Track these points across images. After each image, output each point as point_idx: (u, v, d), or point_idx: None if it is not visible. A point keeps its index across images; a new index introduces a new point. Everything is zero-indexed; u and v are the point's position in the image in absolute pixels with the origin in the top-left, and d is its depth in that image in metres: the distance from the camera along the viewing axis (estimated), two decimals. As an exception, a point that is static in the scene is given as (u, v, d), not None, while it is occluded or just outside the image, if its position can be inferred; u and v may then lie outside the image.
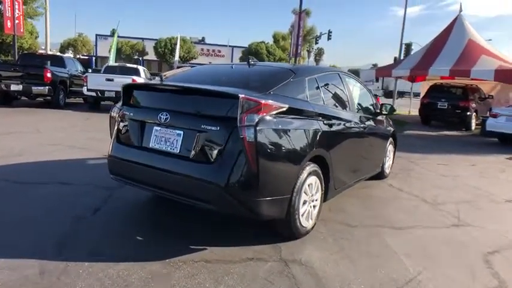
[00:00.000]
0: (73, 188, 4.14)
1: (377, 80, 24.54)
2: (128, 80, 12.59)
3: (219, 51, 53.69)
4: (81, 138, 7.35)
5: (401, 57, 22.75)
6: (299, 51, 27.66)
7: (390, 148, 5.61)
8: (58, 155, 5.63)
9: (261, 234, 3.23)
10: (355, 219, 3.80)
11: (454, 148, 9.78)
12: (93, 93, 12.43)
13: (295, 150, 2.94)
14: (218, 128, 2.66)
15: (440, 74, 15.26)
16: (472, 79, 15.18)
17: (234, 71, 3.67)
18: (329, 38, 35.87)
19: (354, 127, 4.01)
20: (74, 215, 3.38)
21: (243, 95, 2.63)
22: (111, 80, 12.46)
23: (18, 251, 2.69)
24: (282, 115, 2.86)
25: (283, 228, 3.07)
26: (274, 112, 2.78)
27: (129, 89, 3.31)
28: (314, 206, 3.30)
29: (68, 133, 7.85)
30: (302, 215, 3.11)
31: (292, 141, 2.92)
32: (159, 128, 2.98)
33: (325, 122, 3.37)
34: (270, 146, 2.69)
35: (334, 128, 3.50)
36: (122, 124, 3.26)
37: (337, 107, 3.82)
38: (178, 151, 2.85)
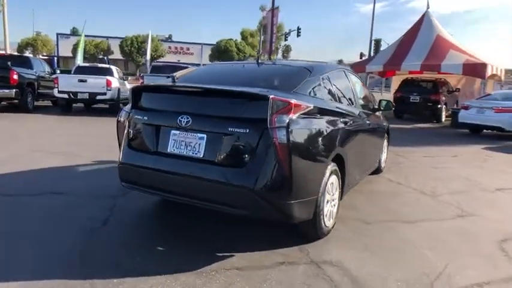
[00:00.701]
0: (70, 199, 3.88)
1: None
2: (101, 80, 12.12)
3: (188, 49, 52.95)
4: (62, 143, 6.97)
5: (372, 53, 23.39)
6: (273, 49, 27.71)
7: (385, 143, 5.71)
8: (44, 163, 5.29)
9: (282, 236, 3.18)
10: (368, 216, 3.83)
11: (432, 140, 10.15)
12: (65, 95, 11.84)
13: (322, 150, 2.91)
14: (247, 131, 2.56)
15: (412, 68, 15.78)
16: (439, 73, 15.83)
17: (249, 70, 3.57)
18: (298, 35, 36.18)
19: (361, 124, 4.03)
20: (82, 228, 3.17)
21: (272, 96, 2.55)
22: (85, 80, 11.92)
23: (35, 272, 2.47)
24: (308, 115, 2.81)
25: (309, 229, 3.03)
26: (302, 112, 2.73)
27: (139, 91, 3.14)
28: (334, 205, 3.29)
29: (48, 138, 7.42)
30: (326, 215, 3.09)
31: (320, 141, 2.88)
32: (178, 132, 2.84)
33: (341, 120, 3.35)
34: (300, 147, 2.63)
35: (348, 126, 3.50)
36: (133, 129, 3.09)
37: (348, 104, 3.82)
38: (201, 155, 2.73)
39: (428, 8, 17.14)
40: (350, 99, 3.99)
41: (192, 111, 2.77)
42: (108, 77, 12.34)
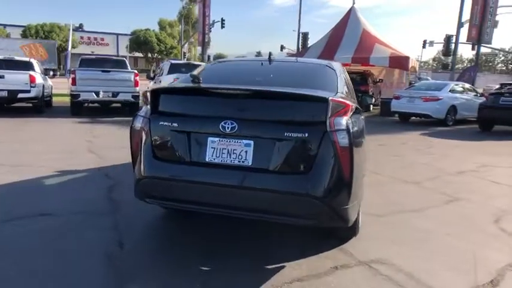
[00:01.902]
0: (61, 220, 3.31)
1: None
2: (23, 76, 10.61)
3: (102, 39, 49.13)
4: (5, 152, 5.95)
5: (299, 46, 24.29)
6: (206, 40, 27.04)
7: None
8: (-6, 178, 4.45)
9: (312, 239, 3.11)
10: (376, 209, 3.93)
11: (374, 129, 10.84)
12: (-24, 95, 10.13)
13: (365, 150, 2.89)
14: (306, 135, 2.41)
15: (344, 61, 16.61)
16: (363, 64, 17.01)
17: (274, 69, 3.36)
18: (222, 26, 35.83)
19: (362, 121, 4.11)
20: (100, 256, 2.71)
21: (331, 97, 2.44)
22: (1, 76, 10.32)
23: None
24: (354, 115, 2.75)
25: (348, 230, 3.00)
26: (352, 113, 2.66)
27: (160, 93, 2.77)
28: (359, 202, 3.31)
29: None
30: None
31: (364, 141, 2.85)
32: (218, 139, 2.57)
33: (362, 118, 3.37)
34: (356, 149, 2.56)
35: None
36: (157, 137, 2.71)
37: (356, 101, 3.86)
38: (250, 163, 2.50)
39: (354, 3, 18.24)
40: (354, 97, 4.04)
41: (238, 116, 2.52)
42: (31, 72, 10.87)
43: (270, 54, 3.48)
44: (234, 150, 2.54)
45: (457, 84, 13.23)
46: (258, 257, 2.80)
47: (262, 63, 3.41)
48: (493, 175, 5.67)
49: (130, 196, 3.05)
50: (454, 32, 20.33)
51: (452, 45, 20.93)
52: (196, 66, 14.34)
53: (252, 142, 2.51)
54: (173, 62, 14.14)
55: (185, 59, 39.87)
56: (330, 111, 2.42)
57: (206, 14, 24.92)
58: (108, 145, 6.84)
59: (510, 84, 12.17)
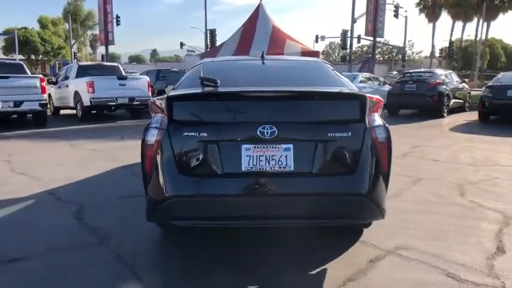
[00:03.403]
0: (47, 263, 2.71)
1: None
2: None
3: (-33, 41, 41.72)
4: None
5: (208, 43, 24.11)
6: (110, 38, 24.83)
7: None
8: None
9: (331, 236, 3.12)
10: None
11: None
12: None
13: None
14: (349, 134, 2.38)
15: (259, 57, 17.04)
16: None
17: (284, 68, 3.21)
18: (118, 24, 33.53)
19: None
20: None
21: (368, 94, 2.45)
22: None
23: None
24: None
25: (366, 223, 3.05)
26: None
27: (178, 101, 2.45)
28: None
29: None
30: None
31: None
32: (253, 145, 2.38)
33: None
34: (391, 144, 2.61)
35: None
36: (179, 150, 2.39)
37: None
38: (291, 168, 2.38)
39: (261, 0, 18.68)
40: None
41: (276, 120, 2.37)
42: None
43: (262, 53, 3.35)
44: (273, 156, 2.39)
45: (364, 76, 14.61)
46: (293, 265, 2.69)
47: (263, 62, 3.25)
48: (429, 154, 6.43)
49: (110, 219, 2.90)
50: (349, 27, 22.42)
51: (348, 39, 23.04)
52: (109, 67, 13.20)
53: (291, 146, 2.39)
54: (81, 64, 12.79)
55: (75, 60, 36.33)
56: (368, 108, 2.44)
57: (108, 10, 22.98)
58: (36, 163, 5.85)
59: (410, 72, 13.87)
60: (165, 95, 2.52)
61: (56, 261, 2.73)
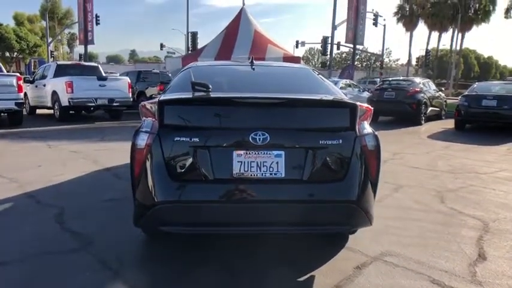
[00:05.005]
0: (29, 268, 2.62)
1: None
2: None
3: None
4: None
5: (189, 45, 23.94)
6: (90, 38, 24.24)
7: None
8: None
9: (315, 243, 3.15)
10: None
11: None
12: None
13: None
14: (340, 141, 2.41)
15: (242, 61, 17.06)
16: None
17: (273, 74, 3.21)
18: (97, 23, 32.82)
19: None
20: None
21: (358, 102, 2.49)
22: None
23: None
24: None
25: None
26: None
27: (170, 105, 2.42)
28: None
29: None
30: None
31: None
32: (244, 151, 2.38)
33: None
34: (379, 151, 2.66)
35: None
36: (170, 154, 2.36)
37: None
38: (283, 175, 2.39)
39: (244, 4, 18.74)
40: None
41: (268, 126, 2.37)
42: None
43: (252, 58, 3.36)
44: (264, 162, 2.39)
45: (344, 82, 14.85)
46: (280, 271, 2.69)
47: (253, 68, 3.25)
48: (409, 161, 6.58)
49: (92, 224, 2.84)
50: (329, 34, 22.78)
51: (329, 46, 23.40)
52: (89, 67, 12.91)
53: (283, 152, 2.40)
54: (59, 63, 12.46)
55: (52, 58, 35.34)
56: (358, 116, 2.48)
57: (88, 9, 22.46)
58: (14, 165, 5.64)
59: (389, 80, 14.20)
60: (157, 99, 2.48)
61: (35, 268, 2.63)
